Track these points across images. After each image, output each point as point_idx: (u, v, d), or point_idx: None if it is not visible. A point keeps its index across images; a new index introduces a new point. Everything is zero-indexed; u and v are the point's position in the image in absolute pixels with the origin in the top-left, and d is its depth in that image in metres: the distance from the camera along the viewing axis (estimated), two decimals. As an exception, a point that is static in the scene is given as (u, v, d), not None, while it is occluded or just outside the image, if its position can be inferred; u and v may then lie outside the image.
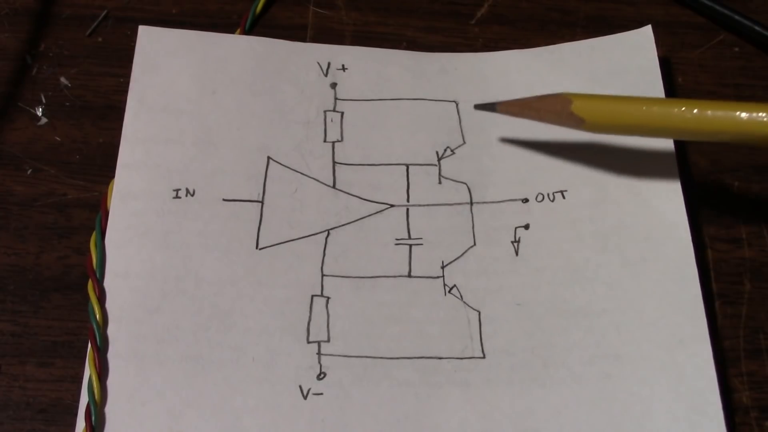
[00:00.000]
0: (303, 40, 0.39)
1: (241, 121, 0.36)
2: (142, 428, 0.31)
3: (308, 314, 0.33)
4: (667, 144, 0.36)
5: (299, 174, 0.36)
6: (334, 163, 0.36)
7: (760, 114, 0.30)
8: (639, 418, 0.31)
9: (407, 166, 0.36)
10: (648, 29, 0.38)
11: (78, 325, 0.33)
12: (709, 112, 0.31)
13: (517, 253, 0.34)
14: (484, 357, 0.32)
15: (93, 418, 0.30)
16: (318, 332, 0.33)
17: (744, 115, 0.30)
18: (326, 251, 0.34)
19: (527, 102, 0.34)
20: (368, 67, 0.38)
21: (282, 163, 0.36)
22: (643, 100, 0.33)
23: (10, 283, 0.34)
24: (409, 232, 0.35)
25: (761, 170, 0.37)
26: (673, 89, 0.39)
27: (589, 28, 0.40)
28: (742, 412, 0.32)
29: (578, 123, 0.33)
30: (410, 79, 0.38)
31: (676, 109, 0.31)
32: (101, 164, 0.36)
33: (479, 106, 0.36)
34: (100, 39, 0.39)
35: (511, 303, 0.33)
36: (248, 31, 0.39)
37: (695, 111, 0.31)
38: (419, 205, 0.35)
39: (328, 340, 0.33)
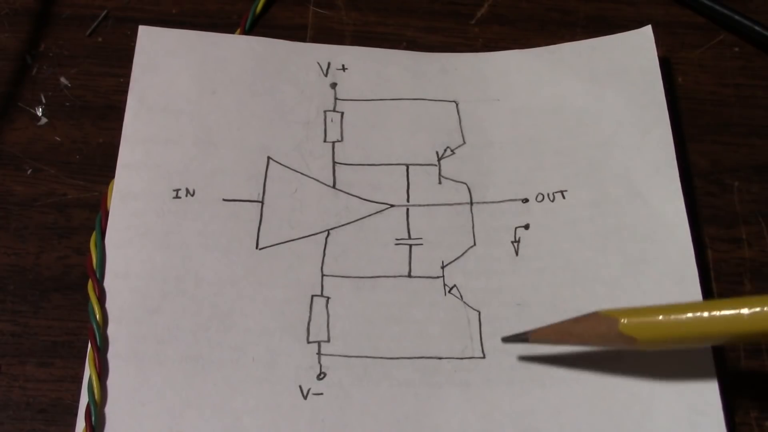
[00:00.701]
0: (303, 40, 0.39)
1: (241, 121, 0.36)
2: (142, 428, 0.31)
3: (308, 314, 0.33)
4: (667, 144, 0.36)
5: (299, 174, 0.36)
6: (334, 163, 0.36)
7: None
8: (639, 418, 0.31)
9: (407, 166, 0.36)
10: (648, 29, 0.38)
11: (78, 325, 0.33)
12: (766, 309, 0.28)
13: (517, 253, 0.34)
14: (484, 357, 0.32)
15: (93, 418, 0.30)
16: (318, 332, 0.33)
17: None
18: (326, 251, 0.34)
19: (564, 327, 0.31)
20: (368, 67, 0.38)
21: (282, 163, 0.36)
22: (695, 306, 0.29)
23: (10, 283, 0.34)
24: (409, 232, 0.35)
25: (761, 170, 0.37)
26: (673, 89, 0.39)
27: (589, 28, 0.40)
28: (742, 412, 0.32)
29: (630, 342, 0.29)
30: (410, 79, 0.38)
31: (733, 312, 0.28)
32: (101, 164, 0.36)
33: (508, 339, 0.32)
34: (100, 39, 0.39)
35: (511, 303, 0.33)
36: (248, 31, 0.39)
37: (757, 310, 0.28)
38: (419, 205, 0.35)
39: (328, 340, 0.33)
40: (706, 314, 0.29)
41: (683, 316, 0.29)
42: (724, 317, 0.28)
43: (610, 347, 0.31)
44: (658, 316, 0.29)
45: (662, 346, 0.30)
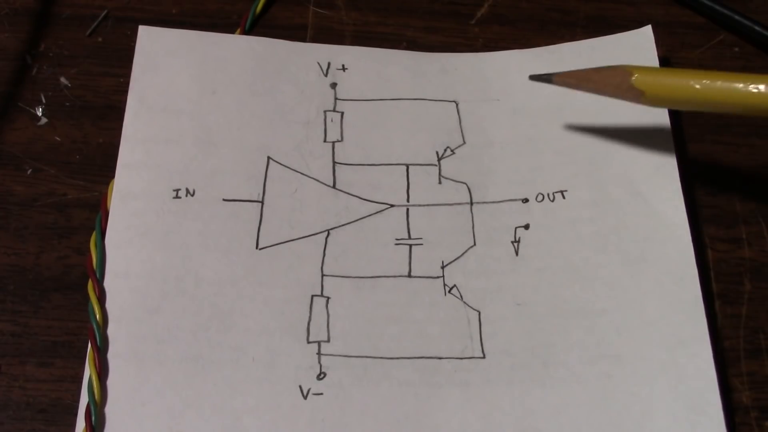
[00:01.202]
0: (303, 40, 0.39)
1: (241, 121, 0.36)
2: (142, 428, 0.31)
3: (308, 314, 0.33)
4: (667, 144, 0.36)
5: (299, 174, 0.36)
6: (334, 163, 0.36)
7: None
8: (639, 418, 0.31)
9: (407, 166, 0.36)
10: (648, 29, 0.38)
11: (78, 325, 0.33)
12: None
13: (517, 253, 0.34)
14: (484, 357, 0.32)
15: (93, 418, 0.30)
16: (318, 332, 0.33)
17: None
18: (326, 251, 0.34)
19: (585, 74, 0.34)
20: (368, 67, 0.38)
21: (282, 163, 0.36)
22: (706, 73, 0.31)
23: (10, 283, 0.34)
24: (409, 232, 0.35)
25: (761, 170, 0.37)
26: (673, 89, 0.39)
27: (589, 28, 0.40)
28: (742, 412, 0.32)
29: (638, 96, 0.32)
30: (410, 79, 0.38)
31: (740, 84, 0.30)
32: (101, 164, 0.36)
33: (534, 77, 0.35)
34: (100, 39, 0.39)
35: (511, 303, 0.33)
36: (248, 31, 0.39)
37: (762, 87, 0.30)
38: (419, 205, 0.35)
39: (328, 340, 0.33)
40: (718, 83, 0.30)
41: (694, 83, 0.30)
42: (735, 89, 0.30)
43: (620, 98, 0.33)
44: (671, 77, 0.31)
45: (667, 105, 0.33)
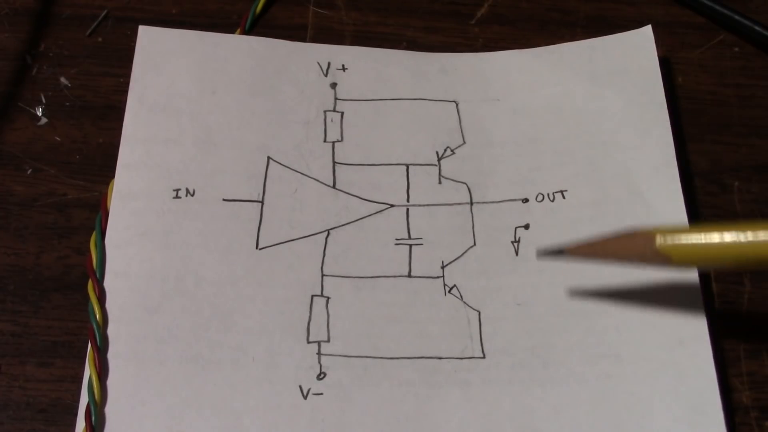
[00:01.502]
0: (303, 40, 0.39)
1: (241, 121, 0.36)
2: (142, 428, 0.31)
3: (308, 314, 0.33)
4: (667, 144, 0.36)
5: (299, 174, 0.36)
6: (334, 163, 0.36)
7: None
8: (639, 418, 0.31)
9: (407, 166, 0.36)
10: (648, 29, 0.38)
11: (78, 325, 0.33)
12: None
13: (517, 253, 0.34)
14: (484, 357, 0.32)
15: (93, 418, 0.30)
16: (318, 332, 0.33)
17: None
18: (326, 251, 0.34)
19: (602, 244, 0.30)
20: (368, 67, 0.38)
21: (282, 163, 0.36)
22: (734, 227, 0.28)
23: (10, 283, 0.34)
24: (409, 232, 0.35)
25: (761, 170, 0.37)
26: (673, 89, 0.39)
27: (589, 28, 0.40)
28: (742, 412, 0.32)
29: (665, 261, 0.29)
30: (410, 79, 0.38)
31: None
32: (101, 164, 0.36)
33: (543, 252, 0.32)
34: (100, 39, 0.39)
35: (511, 303, 0.33)
36: (248, 31, 0.39)
37: None
38: (419, 205, 0.35)
39: (328, 340, 0.33)
40: (744, 237, 0.27)
41: (721, 238, 0.28)
42: (765, 243, 0.27)
43: (644, 266, 0.30)
44: (696, 235, 0.28)
45: (697, 266, 0.29)
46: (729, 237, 0.28)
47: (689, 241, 0.28)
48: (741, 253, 0.28)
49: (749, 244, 0.27)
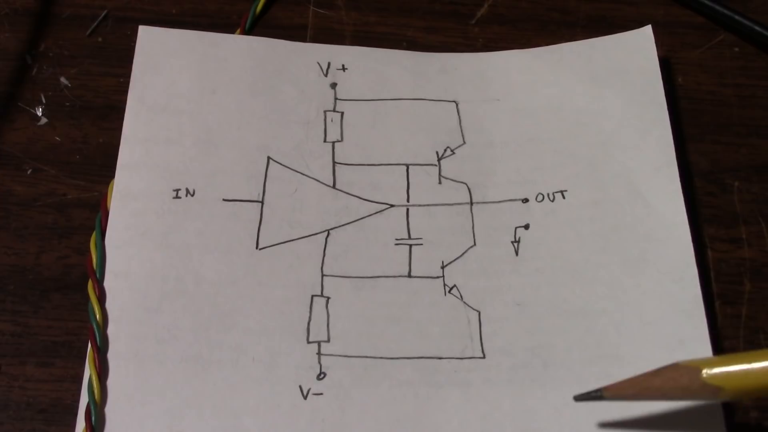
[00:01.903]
0: (303, 40, 0.39)
1: (241, 121, 0.36)
2: (142, 428, 0.31)
3: (308, 314, 0.33)
4: (667, 144, 0.36)
5: (299, 174, 0.36)
6: (334, 163, 0.36)
7: None
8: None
9: (407, 166, 0.36)
10: (648, 29, 0.38)
11: (78, 325, 0.33)
12: None
13: (517, 253, 0.34)
14: (484, 357, 0.32)
15: (93, 418, 0.30)
16: (318, 332, 0.33)
17: None
18: (326, 251, 0.34)
19: (642, 381, 0.29)
20: (368, 67, 0.38)
21: (282, 163, 0.36)
22: None
23: (10, 283, 0.34)
24: (409, 232, 0.35)
25: (761, 170, 0.37)
26: (673, 89, 0.39)
27: (589, 28, 0.40)
28: (742, 412, 0.32)
29: (715, 393, 0.28)
30: (410, 79, 0.38)
31: None
32: (101, 164, 0.36)
33: (581, 397, 0.30)
34: (100, 39, 0.39)
35: (511, 303, 0.33)
36: (248, 31, 0.39)
37: None
38: (419, 205, 0.35)
39: (328, 340, 0.33)
40: None
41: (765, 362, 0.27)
42: None
43: (692, 399, 0.29)
44: (742, 364, 0.27)
45: (750, 396, 0.29)
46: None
47: (737, 372, 0.28)
48: None
49: None
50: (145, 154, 0.35)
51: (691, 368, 0.28)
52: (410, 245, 0.35)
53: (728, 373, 0.28)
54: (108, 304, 0.32)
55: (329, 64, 0.38)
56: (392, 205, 0.35)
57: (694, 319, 0.33)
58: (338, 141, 0.36)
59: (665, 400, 0.29)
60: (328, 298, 0.33)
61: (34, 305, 0.33)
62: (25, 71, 0.38)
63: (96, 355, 0.31)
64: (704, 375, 0.28)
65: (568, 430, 0.31)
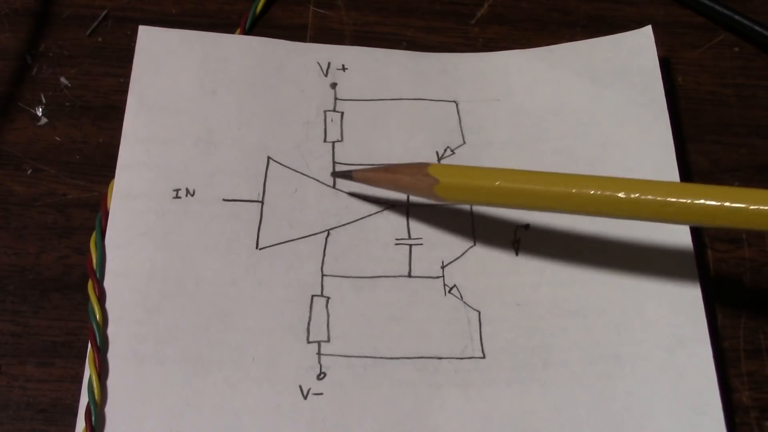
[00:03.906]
0: (303, 40, 0.39)
1: (241, 121, 0.36)
2: (142, 428, 0.31)
3: (308, 314, 0.33)
4: (667, 144, 0.36)
5: (299, 174, 0.36)
6: (334, 163, 0.36)
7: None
8: (639, 418, 0.31)
9: (407, 166, 0.36)
10: (648, 29, 0.38)
11: (78, 325, 0.33)
12: (559, 188, 0.29)
13: (517, 253, 0.34)
14: (484, 357, 0.32)
15: (93, 418, 0.30)
16: (318, 332, 0.33)
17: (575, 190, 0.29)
18: (326, 251, 0.34)
19: (383, 171, 0.33)
20: (368, 67, 0.38)
21: (282, 163, 0.36)
22: (498, 172, 0.31)
23: (10, 283, 0.34)
24: (409, 232, 0.35)
25: (761, 170, 0.37)
26: (673, 89, 0.39)
27: (589, 28, 0.40)
28: (742, 412, 0.32)
29: (432, 183, 0.31)
30: (410, 79, 0.38)
31: (529, 186, 0.30)
32: (101, 164, 0.36)
33: (335, 174, 0.35)
34: (100, 39, 0.39)
35: (511, 303, 0.33)
36: (248, 31, 0.39)
37: (551, 188, 0.29)
38: (419, 205, 0.35)
39: (328, 340, 0.33)
40: (509, 185, 0.30)
41: (477, 179, 0.31)
42: (520, 189, 0.30)
43: (415, 193, 0.33)
44: (462, 170, 0.32)
45: (457, 200, 0.33)
46: (484, 180, 0.31)
47: (454, 167, 0.32)
48: (491, 194, 0.30)
49: (497, 187, 0.30)
50: (145, 154, 0.35)
51: (422, 166, 0.32)
52: (410, 245, 0.35)
53: (446, 168, 0.32)
54: (108, 304, 0.32)
55: (329, 64, 0.38)
56: (392, 205, 0.35)
57: (694, 319, 0.33)
58: (338, 141, 0.37)
59: (397, 190, 0.33)
60: (328, 298, 0.33)
61: (34, 305, 0.33)
62: (25, 71, 0.38)
63: (96, 355, 0.31)
64: (429, 168, 0.31)
65: (568, 430, 0.31)
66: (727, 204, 0.27)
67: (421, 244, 0.35)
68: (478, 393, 0.32)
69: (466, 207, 0.35)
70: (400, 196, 0.35)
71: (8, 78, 0.38)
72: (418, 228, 0.35)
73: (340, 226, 0.35)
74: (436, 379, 0.32)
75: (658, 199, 0.28)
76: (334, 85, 0.38)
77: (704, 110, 0.39)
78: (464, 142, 0.37)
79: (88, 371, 0.31)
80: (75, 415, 0.31)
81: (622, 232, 0.34)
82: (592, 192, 0.29)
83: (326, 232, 0.35)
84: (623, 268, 0.34)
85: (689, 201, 0.28)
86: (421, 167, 0.32)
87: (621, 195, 0.28)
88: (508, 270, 0.34)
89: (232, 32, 0.39)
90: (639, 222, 0.34)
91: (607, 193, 0.29)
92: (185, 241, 0.34)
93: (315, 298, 0.33)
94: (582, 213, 0.30)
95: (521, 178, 0.30)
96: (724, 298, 0.34)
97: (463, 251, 0.34)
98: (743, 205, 0.27)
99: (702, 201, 0.28)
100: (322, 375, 0.32)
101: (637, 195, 0.28)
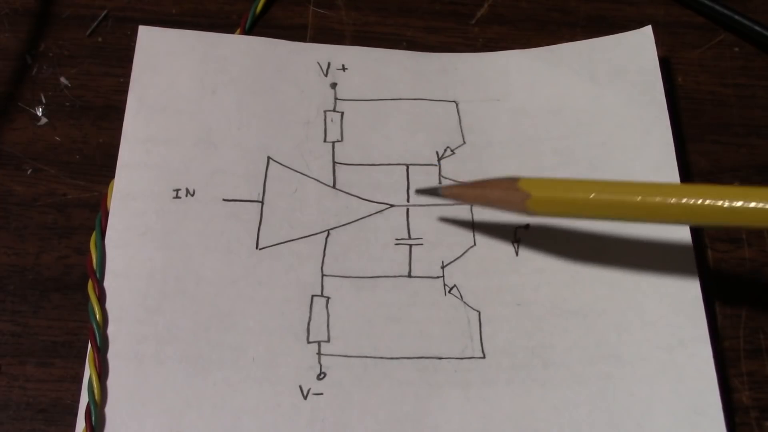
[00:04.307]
0: (303, 40, 0.39)
1: (241, 121, 0.36)
2: (142, 428, 0.31)
3: (308, 314, 0.33)
4: (667, 144, 0.36)
5: (299, 174, 0.36)
6: (334, 163, 0.36)
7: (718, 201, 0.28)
8: (639, 418, 0.31)
9: (407, 166, 0.36)
10: (648, 29, 0.38)
11: (78, 325, 0.33)
12: (658, 199, 0.28)
13: (517, 253, 0.34)
14: (484, 357, 0.32)
15: (93, 418, 0.30)
16: (318, 332, 0.33)
17: (693, 200, 0.28)
18: (326, 251, 0.34)
19: (471, 188, 0.32)
20: (368, 67, 0.38)
21: (282, 163, 0.36)
22: (595, 185, 0.30)
23: (10, 283, 0.34)
24: (409, 232, 0.35)
25: (761, 170, 0.37)
26: (673, 89, 0.39)
27: (589, 28, 0.40)
28: (742, 412, 0.32)
29: (524, 198, 0.31)
30: (410, 79, 0.38)
31: (625, 197, 0.29)
32: (101, 164, 0.36)
33: (420, 191, 0.35)
34: (100, 39, 0.39)
35: (511, 303, 0.33)
36: (248, 31, 0.39)
37: (649, 198, 0.29)
38: (419, 205, 0.35)
39: (328, 340, 0.33)
40: (605, 197, 0.29)
41: (569, 191, 0.30)
42: (617, 201, 0.29)
43: (507, 209, 0.31)
44: (556, 182, 0.31)
45: (552, 214, 0.31)
46: (578, 193, 0.30)
47: (546, 180, 0.31)
48: (585, 207, 0.30)
49: (592, 200, 0.29)
50: (145, 154, 0.35)
51: (511, 180, 0.31)
52: (410, 245, 0.35)
53: (538, 182, 0.31)
54: (108, 304, 0.32)
55: (329, 64, 0.38)
56: (392, 205, 0.35)
57: (694, 319, 0.33)
58: (338, 141, 0.37)
59: (488, 207, 0.32)
60: (328, 298, 0.33)
61: (34, 305, 0.33)
62: (25, 71, 0.38)
63: (96, 355, 0.31)
64: (519, 182, 0.31)
65: (568, 430, 0.31)
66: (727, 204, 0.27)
67: (421, 244, 0.35)
68: (478, 393, 0.32)
69: (466, 207, 0.35)
70: (400, 197, 0.35)
71: (8, 78, 0.38)
72: (418, 228, 0.35)
73: (340, 226, 0.35)
74: (436, 379, 0.32)
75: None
76: (334, 85, 0.38)
77: (704, 110, 0.39)
78: (464, 142, 0.37)
79: (88, 371, 0.31)
80: (75, 415, 0.31)
81: (622, 232, 0.34)
82: (693, 202, 0.28)
83: (326, 232, 0.35)
84: (623, 268, 0.34)
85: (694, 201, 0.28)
86: (512, 182, 0.31)
87: (722, 203, 0.28)
88: (508, 270, 0.34)
89: (232, 32, 0.39)
90: (639, 222, 0.34)
91: (708, 202, 0.28)
92: (185, 241, 0.34)
93: (315, 298, 0.33)
94: (682, 223, 0.29)
95: (616, 189, 0.29)
96: (724, 298, 0.34)
97: (463, 251, 0.34)
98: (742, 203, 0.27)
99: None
100: (322, 375, 0.32)
101: (736, 203, 0.27)
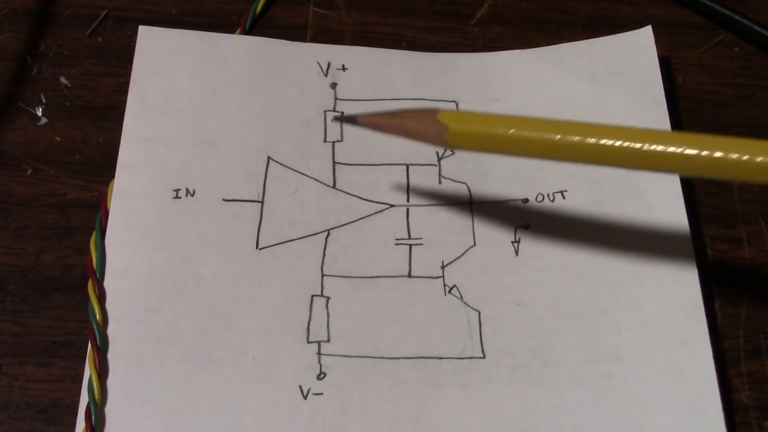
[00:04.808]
0: (303, 40, 0.39)
1: (241, 121, 0.36)
2: (142, 428, 0.31)
3: (308, 314, 0.33)
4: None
5: (299, 174, 0.36)
6: (334, 163, 0.36)
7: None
8: (639, 418, 0.31)
9: (407, 166, 0.36)
10: (648, 29, 0.38)
11: (78, 325, 0.33)
12: (576, 138, 0.28)
13: (517, 253, 0.34)
14: (484, 357, 0.32)
15: (93, 418, 0.30)
16: (318, 332, 0.33)
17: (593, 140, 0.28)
18: (326, 251, 0.34)
19: (390, 117, 0.31)
20: (368, 67, 0.38)
21: (282, 163, 0.36)
22: (512, 119, 0.29)
23: (10, 283, 0.34)
24: (409, 232, 0.35)
25: (761, 170, 0.37)
26: (673, 89, 0.39)
27: (589, 28, 0.40)
28: (742, 412, 0.32)
29: (442, 131, 0.30)
30: (410, 79, 0.38)
31: (544, 135, 0.29)
32: (101, 164, 0.36)
33: (338, 119, 0.34)
34: (100, 39, 0.39)
35: (511, 303, 0.33)
36: (248, 31, 0.39)
37: (567, 137, 0.28)
38: (419, 205, 0.35)
39: (328, 340, 0.33)
40: (524, 133, 0.29)
41: (488, 125, 0.29)
42: (536, 138, 0.28)
43: (425, 140, 0.31)
44: (475, 116, 0.30)
45: (468, 147, 0.30)
46: (497, 128, 0.29)
47: (465, 114, 0.31)
48: (504, 142, 0.29)
49: (511, 136, 0.29)
50: (145, 154, 0.35)
51: (431, 111, 0.30)
52: (410, 245, 0.35)
53: (457, 115, 0.30)
54: (108, 304, 0.32)
55: (329, 64, 0.38)
56: (392, 205, 0.35)
57: (694, 319, 0.33)
58: (338, 141, 0.37)
59: (405, 137, 0.31)
60: (328, 298, 0.33)
61: (34, 305, 0.33)
62: (25, 71, 0.38)
63: (96, 355, 0.31)
64: (438, 114, 0.30)
65: (568, 430, 0.31)
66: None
67: (421, 244, 0.35)
68: (478, 393, 0.32)
69: (466, 207, 0.35)
70: (400, 197, 0.35)
71: (8, 78, 0.38)
72: (418, 228, 0.35)
73: (340, 226, 0.35)
74: (436, 378, 0.32)
75: (678, 151, 0.27)
76: (334, 85, 0.38)
77: (704, 110, 0.39)
78: (464, 142, 0.37)
79: (88, 371, 0.31)
80: (75, 415, 0.31)
81: (622, 232, 0.34)
82: (611, 143, 0.28)
83: (326, 232, 0.35)
84: (623, 267, 0.34)
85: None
86: (431, 113, 0.30)
87: (639, 146, 0.27)
88: (508, 270, 0.34)
89: (232, 32, 0.39)
90: (639, 222, 0.34)
91: (626, 144, 0.28)
92: (185, 241, 0.34)
93: (315, 298, 0.33)
94: (598, 164, 0.28)
95: (536, 126, 0.29)
96: (724, 298, 0.34)
97: (463, 251, 0.34)
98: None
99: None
100: (322, 375, 0.32)
101: (657, 147, 0.28)
